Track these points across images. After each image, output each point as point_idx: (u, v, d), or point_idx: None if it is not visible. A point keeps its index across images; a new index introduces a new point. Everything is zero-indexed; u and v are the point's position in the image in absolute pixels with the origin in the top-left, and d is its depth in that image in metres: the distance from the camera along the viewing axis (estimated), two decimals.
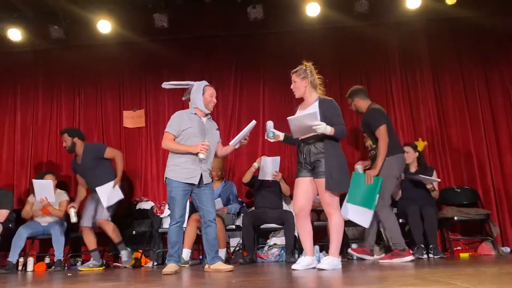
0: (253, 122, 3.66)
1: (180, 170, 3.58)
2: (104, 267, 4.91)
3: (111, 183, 4.82)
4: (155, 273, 3.91)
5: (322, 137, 3.34)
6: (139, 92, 6.05)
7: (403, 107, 5.65)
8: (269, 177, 4.90)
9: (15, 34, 5.71)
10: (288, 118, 3.37)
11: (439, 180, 4.73)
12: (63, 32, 5.69)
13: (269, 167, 4.89)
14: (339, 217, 3.36)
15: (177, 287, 2.53)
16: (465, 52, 5.71)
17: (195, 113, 3.71)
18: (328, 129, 3.27)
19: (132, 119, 5.95)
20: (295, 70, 3.55)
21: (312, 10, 5.41)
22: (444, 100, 5.63)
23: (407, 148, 4.73)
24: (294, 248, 4.61)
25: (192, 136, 3.61)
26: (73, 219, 4.82)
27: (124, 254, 4.89)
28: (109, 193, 4.79)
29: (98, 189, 4.78)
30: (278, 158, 4.93)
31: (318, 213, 4.81)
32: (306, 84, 3.49)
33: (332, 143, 3.36)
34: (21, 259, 4.99)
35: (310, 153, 3.38)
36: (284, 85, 5.83)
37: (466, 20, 5.60)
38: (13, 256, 4.80)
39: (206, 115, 3.76)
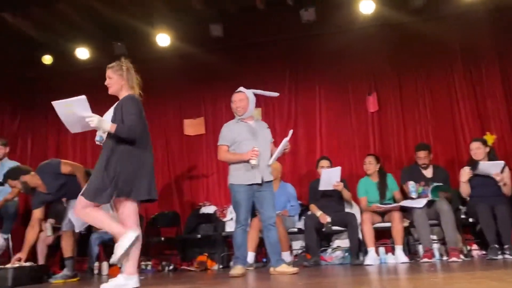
0: (286, 138, 3.73)
1: (241, 175, 3.69)
2: (78, 278, 4.42)
3: None
4: (221, 275, 4.02)
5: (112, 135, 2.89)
6: (198, 101, 6.24)
7: (468, 103, 5.41)
8: (330, 187, 4.78)
9: (82, 53, 6.11)
10: (53, 102, 3.10)
11: (503, 162, 4.41)
12: (125, 48, 6.01)
13: (331, 176, 4.75)
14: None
15: None
16: None
17: (240, 120, 3.84)
18: (104, 125, 2.87)
19: (193, 127, 6.15)
20: (111, 65, 3.17)
21: (366, 7, 5.32)
22: None
23: (476, 144, 4.53)
24: (359, 250, 4.54)
25: (244, 141, 3.73)
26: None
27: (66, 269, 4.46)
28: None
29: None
30: (338, 169, 4.72)
31: (382, 215, 4.70)
32: (122, 82, 3.11)
33: (119, 143, 2.87)
34: (97, 264, 5.29)
35: None
36: (340, 85, 5.82)
37: None
38: (90, 262, 5.14)
39: (253, 118, 3.88)
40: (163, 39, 5.82)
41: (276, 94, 3.91)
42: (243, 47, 6.14)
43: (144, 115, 3.03)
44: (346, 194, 4.92)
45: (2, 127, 6.26)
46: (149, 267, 5.56)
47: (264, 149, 3.75)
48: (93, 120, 2.89)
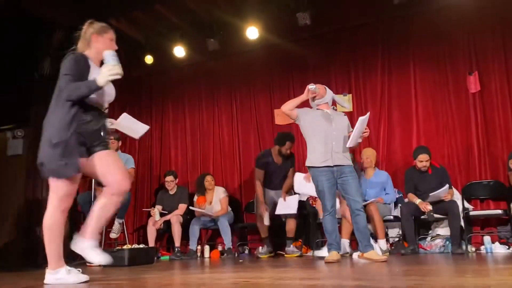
0: (362, 118, 3.71)
1: (314, 155, 3.81)
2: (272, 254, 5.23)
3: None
4: (316, 261, 4.09)
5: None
6: (287, 91, 6.32)
7: None
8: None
9: (179, 51, 6.53)
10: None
11: None
12: (218, 44, 6.29)
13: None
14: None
15: (341, 274, 2.64)
16: None
17: (317, 109, 3.96)
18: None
19: (283, 116, 6.24)
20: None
21: None
22: None
23: None
24: (461, 238, 4.31)
25: (317, 123, 3.85)
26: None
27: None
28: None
29: None
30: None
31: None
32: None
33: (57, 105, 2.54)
34: (199, 247, 5.68)
35: None
36: (437, 65, 5.49)
37: None
38: (192, 245, 5.54)
39: (330, 107, 3.99)
40: (252, 32, 5.98)
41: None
42: (332, 32, 6.06)
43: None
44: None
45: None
46: (246, 251, 5.85)
47: (339, 135, 3.80)
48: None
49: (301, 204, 5.28)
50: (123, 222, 5.60)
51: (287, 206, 5.11)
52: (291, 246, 5.11)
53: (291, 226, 5.15)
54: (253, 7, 5.96)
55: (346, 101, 5.78)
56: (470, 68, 5.25)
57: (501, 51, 5.16)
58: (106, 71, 2.50)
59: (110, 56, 2.53)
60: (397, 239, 4.99)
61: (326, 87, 4.04)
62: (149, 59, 6.72)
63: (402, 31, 5.71)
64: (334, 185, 3.76)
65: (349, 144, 3.76)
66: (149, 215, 5.91)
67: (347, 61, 5.95)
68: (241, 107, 6.64)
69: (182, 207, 5.76)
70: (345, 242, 4.56)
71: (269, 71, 6.50)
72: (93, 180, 4.91)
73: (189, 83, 7.06)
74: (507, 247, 4.42)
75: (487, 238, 4.47)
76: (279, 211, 5.13)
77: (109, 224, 5.32)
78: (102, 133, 2.60)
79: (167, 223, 5.65)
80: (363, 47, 5.91)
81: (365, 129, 3.79)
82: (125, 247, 4.52)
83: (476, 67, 5.23)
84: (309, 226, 5.35)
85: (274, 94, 6.43)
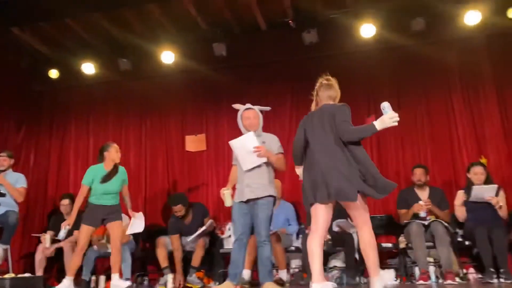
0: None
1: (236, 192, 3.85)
2: None
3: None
4: None
5: None
6: (200, 118, 6.32)
7: (467, 126, 5.47)
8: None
9: (88, 68, 6.24)
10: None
11: (496, 186, 4.46)
12: (130, 64, 6.13)
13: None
14: None
15: None
16: None
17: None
18: None
19: (194, 143, 6.22)
20: None
21: (367, 31, 5.45)
22: (510, 118, 5.38)
23: (478, 169, 4.59)
24: (355, 271, 4.55)
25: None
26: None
27: None
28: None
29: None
30: None
31: None
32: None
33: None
34: (94, 277, 5.29)
35: None
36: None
37: None
38: (86, 275, 5.13)
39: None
40: (167, 56, 5.94)
41: (268, 108, 4.02)
42: (246, 66, 6.24)
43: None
44: None
45: (7, 139, 6.34)
46: (145, 282, 5.58)
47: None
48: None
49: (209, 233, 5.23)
50: (7, 248, 5.05)
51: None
52: (193, 275, 4.98)
53: (196, 254, 5.04)
54: (170, 33, 5.95)
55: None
56: (369, 110, 5.72)
57: (395, 100, 5.70)
58: (387, 118, 2.83)
59: (388, 107, 2.89)
60: (297, 269, 5.12)
61: (257, 111, 3.99)
62: (53, 74, 6.33)
63: (311, 71, 6.02)
64: (246, 213, 3.77)
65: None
66: (39, 241, 5.41)
67: (260, 95, 6.13)
68: (151, 131, 6.49)
69: (77, 234, 5.35)
70: (247, 272, 4.57)
71: (182, 96, 6.47)
72: None
73: (97, 102, 6.75)
74: (395, 278, 4.72)
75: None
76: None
77: None
78: None
79: (59, 251, 5.21)
80: (275, 83, 6.15)
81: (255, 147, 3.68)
82: (6, 276, 4.06)
83: (374, 110, 5.71)
84: (213, 256, 5.28)
85: (186, 120, 6.39)
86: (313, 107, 3.27)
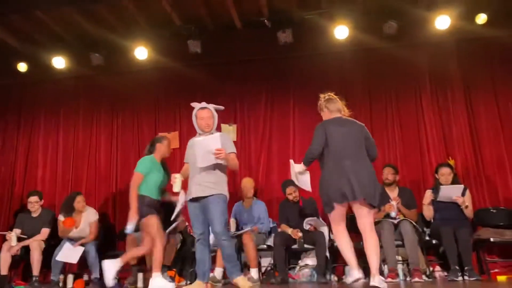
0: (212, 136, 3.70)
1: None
2: None
3: None
4: None
5: None
6: (174, 115, 6.26)
7: (435, 128, 5.61)
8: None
9: (59, 62, 6.09)
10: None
11: (463, 186, 4.62)
12: (103, 59, 6.01)
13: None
14: None
15: None
16: (498, 71, 5.65)
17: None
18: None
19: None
20: None
21: (341, 33, 5.52)
22: (477, 120, 5.56)
23: (445, 170, 4.72)
24: (325, 268, 4.60)
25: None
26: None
27: None
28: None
29: None
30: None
31: None
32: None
33: None
34: (61, 276, 5.17)
35: None
36: (313, 107, 5.88)
37: (498, 40, 5.55)
38: (54, 275, 4.99)
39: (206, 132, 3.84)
40: (141, 52, 5.85)
41: (222, 107, 3.95)
42: (221, 64, 6.22)
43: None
44: None
45: None
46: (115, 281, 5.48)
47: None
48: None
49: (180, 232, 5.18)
50: None
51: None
52: (164, 274, 4.93)
53: (168, 253, 4.97)
54: (144, 28, 5.86)
55: (231, 131, 5.92)
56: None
57: (367, 101, 5.81)
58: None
59: None
60: (269, 268, 5.15)
61: (213, 110, 3.91)
62: (22, 67, 6.15)
63: (286, 71, 6.11)
64: (200, 211, 3.70)
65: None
66: (4, 239, 5.24)
67: (234, 93, 6.14)
68: (122, 126, 6.38)
69: (45, 232, 5.23)
70: (219, 271, 4.57)
71: (156, 93, 6.39)
72: None
73: (67, 97, 6.59)
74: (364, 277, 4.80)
75: (348, 268, 4.82)
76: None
77: None
78: None
79: (26, 249, 5.07)
80: (249, 82, 6.17)
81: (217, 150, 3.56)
82: None
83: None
84: (185, 255, 5.24)
85: (159, 117, 6.32)
86: (326, 116, 3.61)
